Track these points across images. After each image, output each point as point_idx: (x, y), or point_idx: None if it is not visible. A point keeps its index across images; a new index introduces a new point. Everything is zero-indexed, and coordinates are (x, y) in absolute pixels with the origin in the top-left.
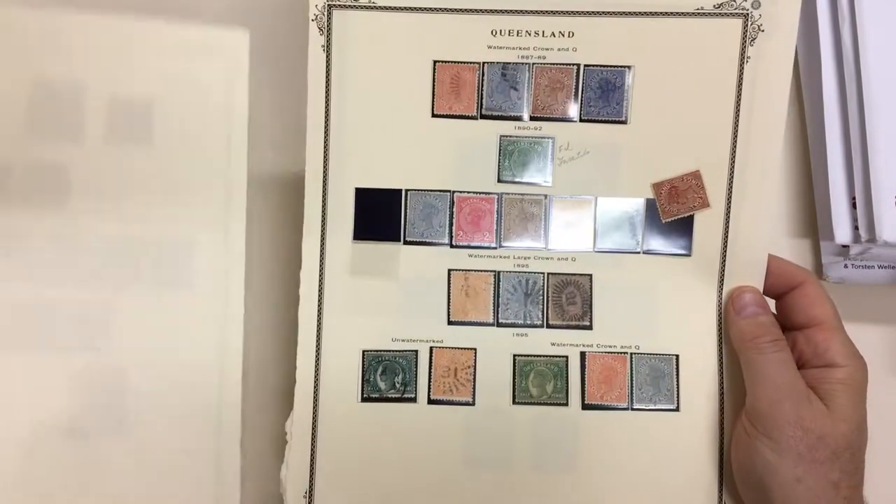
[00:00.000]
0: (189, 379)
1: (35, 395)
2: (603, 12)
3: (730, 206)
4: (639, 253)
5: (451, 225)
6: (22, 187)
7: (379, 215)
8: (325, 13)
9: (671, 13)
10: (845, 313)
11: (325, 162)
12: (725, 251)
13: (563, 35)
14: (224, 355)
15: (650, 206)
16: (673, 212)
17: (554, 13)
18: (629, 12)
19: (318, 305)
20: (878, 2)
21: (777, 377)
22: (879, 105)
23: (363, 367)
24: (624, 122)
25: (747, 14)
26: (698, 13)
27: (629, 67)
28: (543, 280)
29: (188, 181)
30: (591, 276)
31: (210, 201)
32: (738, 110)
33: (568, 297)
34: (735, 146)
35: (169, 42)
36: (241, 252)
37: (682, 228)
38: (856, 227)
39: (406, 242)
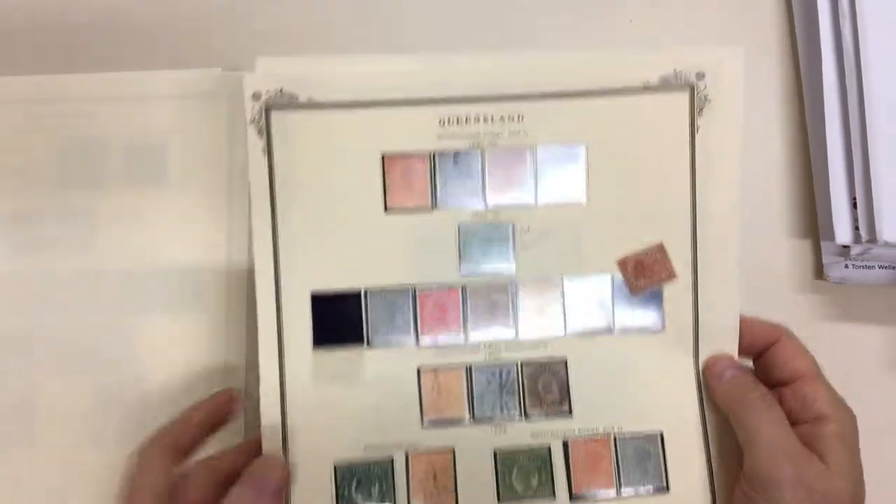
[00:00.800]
0: (198, 392)
1: (65, 409)
2: (551, 94)
3: (697, 276)
4: (612, 332)
5: (415, 322)
6: (52, 232)
7: (339, 320)
8: (263, 115)
9: (619, 91)
10: (845, 313)
11: (275, 269)
12: (697, 321)
13: (514, 119)
14: (228, 371)
15: (617, 282)
16: (641, 286)
17: (502, 98)
18: (577, 92)
19: (282, 420)
20: (879, 2)
21: (773, 436)
22: (880, 104)
23: (336, 482)
24: (583, 201)
25: (692, 86)
26: (645, 89)
27: (584, 146)
28: (517, 370)
29: (195, 212)
30: (565, 360)
31: (215, 229)
32: (694, 180)
33: (544, 385)
34: (695, 215)
35: (179, 87)
36: (243, 274)
37: (653, 302)
38: (856, 228)
39: (370, 345)
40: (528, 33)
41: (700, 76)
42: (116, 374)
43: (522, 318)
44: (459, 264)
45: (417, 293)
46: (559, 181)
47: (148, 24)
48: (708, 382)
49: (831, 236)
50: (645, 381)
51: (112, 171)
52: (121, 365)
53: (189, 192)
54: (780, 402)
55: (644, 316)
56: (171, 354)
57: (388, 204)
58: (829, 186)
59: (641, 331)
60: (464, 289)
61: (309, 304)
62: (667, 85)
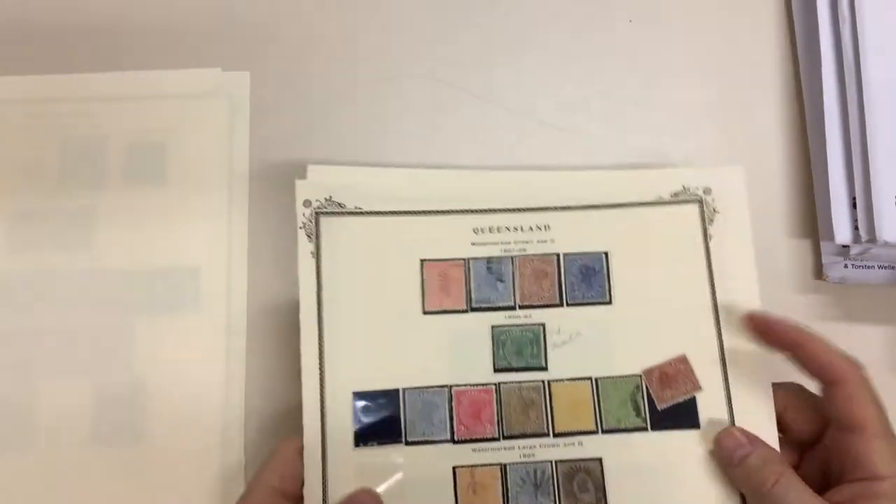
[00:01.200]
0: (198, 390)
1: (64, 408)
2: (575, 207)
3: (728, 383)
4: (646, 430)
5: (451, 420)
6: (52, 232)
7: (378, 418)
8: (313, 220)
9: (636, 204)
10: (846, 313)
11: (321, 368)
12: (733, 422)
13: (541, 228)
14: (228, 369)
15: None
16: (667, 398)
17: (530, 210)
18: (598, 205)
19: None
20: (879, 3)
21: (809, 501)
22: (879, 105)
23: None
24: (609, 303)
25: (701, 199)
26: (659, 202)
27: (605, 253)
28: (552, 469)
29: (195, 212)
30: (600, 459)
31: (214, 229)
32: (713, 284)
33: (579, 485)
34: (718, 318)
35: (179, 87)
36: (244, 275)
37: (687, 402)
38: (856, 228)
39: (408, 443)
40: (529, 33)
41: (707, 191)
42: (116, 374)
43: (556, 416)
44: (494, 364)
45: (453, 392)
46: (585, 285)
47: (148, 24)
48: (720, 463)
49: (831, 236)
50: (682, 481)
51: (112, 171)
52: (121, 365)
53: (189, 192)
54: (827, 457)
55: (679, 416)
56: (171, 354)
57: (426, 306)
58: (828, 186)
59: (677, 430)
60: (498, 388)
61: (351, 402)
62: (678, 199)
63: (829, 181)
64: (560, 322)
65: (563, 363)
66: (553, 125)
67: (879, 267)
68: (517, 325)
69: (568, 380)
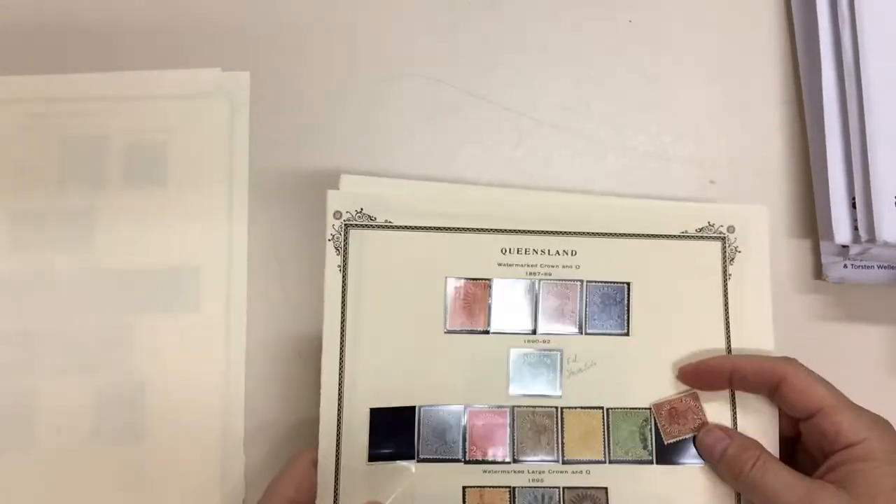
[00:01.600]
0: (198, 390)
1: (65, 409)
2: (602, 233)
3: (736, 423)
4: (652, 463)
5: (464, 440)
6: (52, 232)
7: (393, 434)
8: (342, 233)
9: (661, 236)
10: (845, 313)
11: (340, 382)
12: None
13: (568, 253)
14: (229, 369)
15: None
16: (674, 433)
17: (559, 233)
18: (625, 234)
19: None
20: (878, 3)
21: (780, 486)
22: (879, 105)
23: None
24: (626, 334)
25: (724, 237)
26: (683, 236)
27: (627, 284)
28: (559, 495)
29: (195, 212)
30: (606, 489)
31: (214, 229)
32: (728, 324)
33: None
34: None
35: (179, 87)
36: (244, 275)
37: (693, 437)
38: (855, 228)
39: (420, 460)
40: (529, 33)
41: (731, 229)
42: (116, 374)
43: (566, 443)
44: (509, 386)
45: (468, 412)
46: (605, 315)
47: (148, 24)
48: (708, 463)
49: (830, 236)
50: None
51: (112, 171)
52: (121, 365)
53: (189, 192)
54: (804, 439)
55: (684, 449)
56: (171, 354)
57: (448, 325)
58: (828, 187)
59: (682, 464)
60: (512, 411)
61: (367, 418)
62: (702, 235)
63: (828, 181)
64: (577, 350)
65: (577, 391)
66: (553, 125)
67: (879, 267)
68: (535, 350)
69: (580, 408)
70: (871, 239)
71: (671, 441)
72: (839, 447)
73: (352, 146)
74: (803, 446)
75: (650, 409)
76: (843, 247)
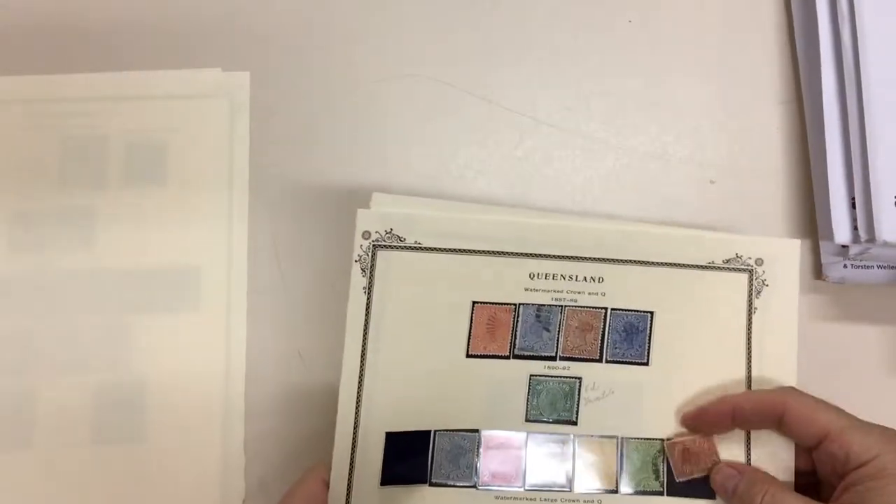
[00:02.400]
0: (198, 390)
1: (64, 408)
2: (629, 261)
3: (750, 451)
4: (662, 495)
5: (477, 466)
6: (54, 231)
7: (407, 458)
8: (370, 253)
9: (688, 265)
10: (845, 313)
11: (357, 406)
12: None
13: (594, 280)
14: (229, 369)
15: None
16: (686, 472)
17: (587, 259)
18: (652, 262)
19: None
20: (878, 4)
21: None
22: (879, 105)
23: None
24: (646, 364)
25: (752, 270)
26: (710, 266)
27: (651, 313)
28: None
29: (195, 212)
30: None
31: (214, 229)
32: (750, 359)
33: None
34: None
35: (179, 87)
36: (244, 275)
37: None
38: (855, 228)
39: (432, 484)
40: (529, 33)
41: (759, 262)
42: (116, 374)
43: (579, 471)
44: (526, 413)
45: (483, 438)
46: (626, 343)
47: (148, 24)
48: (720, 496)
49: (830, 236)
50: None
51: (112, 171)
52: (121, 365)
53: (189, 192)
54: (818, 468)
55: (697, 485)
56: (171, 354)
57: (471, 349)
58: (828, 187)
59: (694, 497)
60: (527, 437)
61: (383, 443)
62: (729, 266)
63: (828, 181)
64: (596, 378)
65: (593, 419)
66: (553, 125)
67: (879, 267)
68: (555, 377)
69: (595, 437)
70: (871, 239)
71: (682, 479)
72: (851, 468)
73: (352, 146)
74: (820, 475)
75: (664, 440)
76: (843, 247)
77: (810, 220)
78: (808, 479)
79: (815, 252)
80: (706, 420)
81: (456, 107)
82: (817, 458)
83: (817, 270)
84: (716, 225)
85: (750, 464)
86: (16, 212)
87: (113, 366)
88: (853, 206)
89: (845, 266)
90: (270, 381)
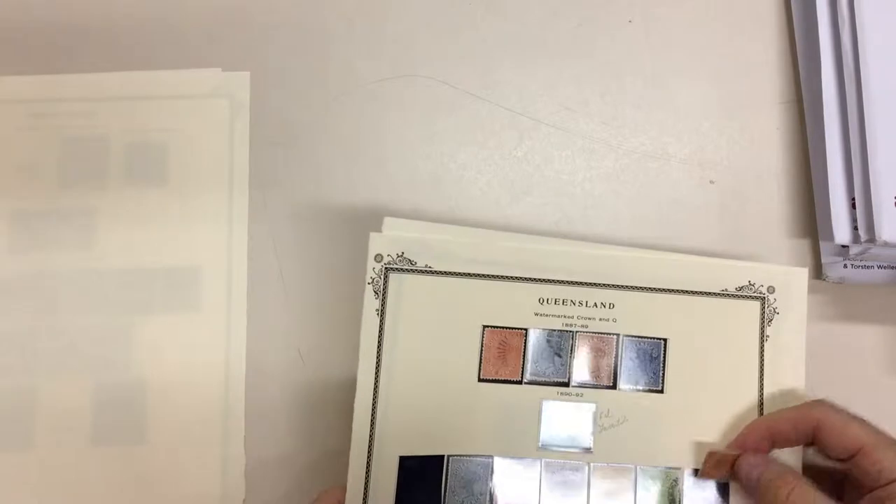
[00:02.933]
0: (198, 390)
1: (65, 409)
2: (641, 287)
3: None
4: None
5: (491, 494)
6: (52, 232)
7: (420, 483)
8: (383, 276)
9: (700, 293)
10: (844, 313)
11: (371, 429)
12: None
13: (605, 306)
14: (229, 369)
15: (687, 475)
16: (712, 476)
17: (598, 285)
18: (663, 289)
19: None
20: (878, 4)
21: None
22: (879, 106)
23: None
24: (661, 392)
25: (763, 298)
26: (723, 294)
27: (664, 340)
28: None
29: (195, 212)
30: None
31: (214, 229)
32: (762, 387)
33: None
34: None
35: (179, 87)
36: (244, 275)
37: (720, 500)
38: (855, 228)
39: None
40: (529, 33)
41: (771, 290)
42: (116, 374)
43: (594, 500)
44: (539, 438)
45: (496, 464)
46: (640, 370)
47: (148, 24)
48: (746, 492)
49: (830, 236)
50: None
51: (112, 171)
52: (121, 365)
53: (189, 192)
54: (846, 478)
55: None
56: (171, 354)
57: (482, 373)
58: (828, 187)
59: None
60: (542, 464)
61: (396, 467)
62: (741, 294)
63: (828, 181)
64: (610, 405)
65: (608, 447)
66: (553, 125)
67: (879, 267)
68: (569, 403)
69: (611, 465)
70: (871, 239)
71: (703, 479)
72: (881, 484)
73: (351, 146)
74: (851, 483)
75: (682, 469)
76: (843, 247)
77: (810, 220)
78: (832, 484)
79: (815, 252)
80: (747, 447)
81: (456, 107)
82: (853, 472)
83: (817, 270)
84: (724, 244)
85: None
86: (16, 212)
87: (113, 366)
88: (853, 206)
89: (845, 266)
90: (270, 381)
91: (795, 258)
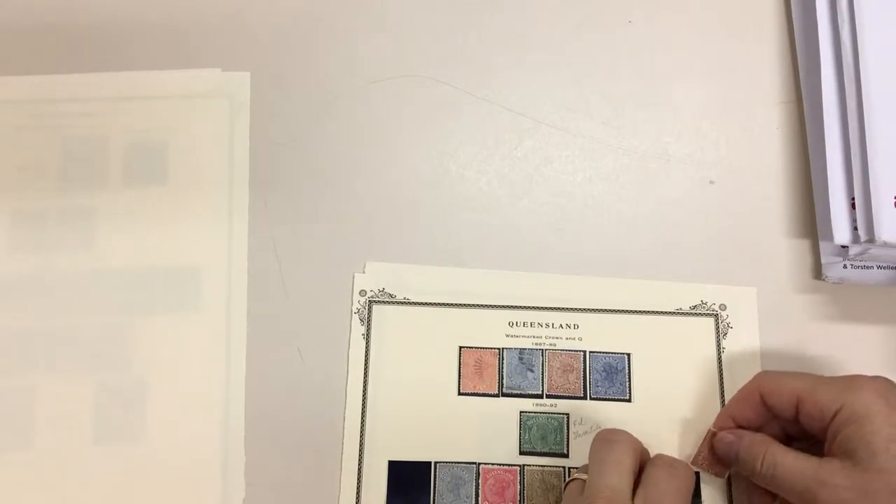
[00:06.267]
0: (198, 390)
1: (64, 408)
2: (602, 310)
3: (731, 492)
4: None
5: (476, 495)
6: (54, 231)
7: (410, 487)
8: (366, 307)
9: (658, 312)
10: (844, 314)
11: (361, 440)
12: None
13: (570, 327)
14: (229, 369)
15: None
16: (703, 466)
17: (562, 309)
18: (624, 310)
19: None
20: (878, 4)
21: (791, 475)
22: (878, 106)
23: None
24: (629, 401)
25: (717, 315)
26: (678, 312)
27: (628, 354)
28: None
29: (195, 212)
30: None
31: (214, 229)
32: (723, 394)
33: None
34: None
35: (179, 87)
36: (244, 275)
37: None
38: (855, 228)
39: None
40: (529, 33)
41: (723, 307)
42: (116, 374)
43: None
44: (519, 446)
45: (480, 469)
46: (608, 382)
47: (148, 24)
48: (736, 467)
49: (830, 237)
50: None
51: (112, 171)
52: (121, 365)
53: (189, 192)
54: (798, 433)
55: None
56: (171, 354)
57: (462, 388)
58: (827, 187)
59: None
60: (522, 469)
61: (386, 470)
62: (696, 312)
63: (828, 182)
64: (582, 413)
65: (583, 451)
66: (553, 125)
67: (878, 267)
68: (543, 413)
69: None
70: (871, 239)
71: (695, 467)
72: (828, 422)
73: (351, 146)
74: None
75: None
76: (843, 247)
77: (810, 220)
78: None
79: (815, 252)
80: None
81: (456, 107)
82: (804, 423)
83: (817, 270)
84: (688, 267)
85: (731, 498)
86: (16, 212)
87: (113, 366)
88: (853, 206)
89: (845, 266)
90: (270, 381)
91: (795, 258)
